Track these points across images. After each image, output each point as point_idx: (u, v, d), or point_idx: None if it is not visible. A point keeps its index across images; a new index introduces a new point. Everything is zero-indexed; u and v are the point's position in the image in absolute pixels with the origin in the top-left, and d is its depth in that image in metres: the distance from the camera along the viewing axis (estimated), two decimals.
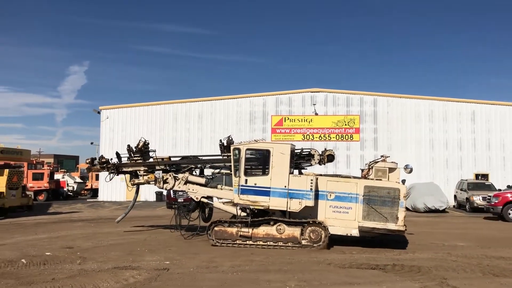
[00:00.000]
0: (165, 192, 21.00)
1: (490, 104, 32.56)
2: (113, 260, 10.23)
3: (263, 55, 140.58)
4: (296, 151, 13.53)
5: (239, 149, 12.30)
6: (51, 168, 40.60)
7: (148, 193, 31.74)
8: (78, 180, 39.03)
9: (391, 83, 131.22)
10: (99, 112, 34.79)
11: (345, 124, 33.00)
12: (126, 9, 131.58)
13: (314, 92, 33.69)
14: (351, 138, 32.88)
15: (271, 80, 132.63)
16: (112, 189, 33.39)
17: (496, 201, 20.41)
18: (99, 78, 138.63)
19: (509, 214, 19.89)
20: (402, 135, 32.63)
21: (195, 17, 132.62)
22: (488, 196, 21.85)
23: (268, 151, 12.15)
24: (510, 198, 20.12)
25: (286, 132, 33.38)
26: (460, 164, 31.95)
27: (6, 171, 20.83)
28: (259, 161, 12.60)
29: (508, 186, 27.63)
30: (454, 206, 28.36)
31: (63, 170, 48.53)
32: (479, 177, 31.15)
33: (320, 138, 32.87)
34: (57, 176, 37.85)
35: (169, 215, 20.85)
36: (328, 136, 32.92)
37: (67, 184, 37.34)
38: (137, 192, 15.66)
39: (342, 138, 32.87)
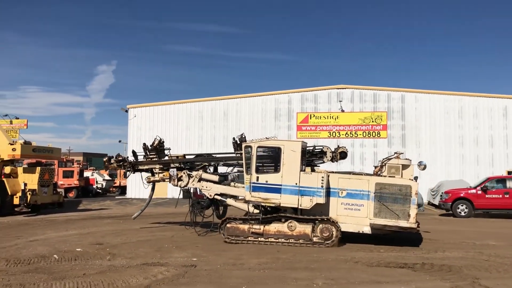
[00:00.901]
0: (192, 190, 21.16)
1: None
2: (141, 257, 10.38)
3: (289, 52, 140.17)
4: (308, 148, 13.54)
5: (250, 147, 12.37)
6: (81, 166, 41.55)
7: (175, 190, 32.05)
8: (107, 177, 39.79)
9: (419, 79, 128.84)
10: (126, 111, 35.35)
11: (372, 121, 32.56)
12: (153, 9, 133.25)
13: (340, 88, 33.35)
14: (378, 135, 32.44)
15: (297, 77, 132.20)
16: (140, 186, 33.75)
17: (447, 198, 21.14)
18: (127, 77, 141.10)
19: (458, 210, 20.51)
20: (431, 131, 31.98)
21: (220, 16, 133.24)
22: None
23: (279, 149, 12.17)
24: (460, 195, 20.76)
25: (311, 129, 33.17)
26: (492, 161, 31.11)
27: (38, 169, 21.40)
28: (270, 158, 12.62)
29: None
30: None
31: (92, 168, 49.54)
32: None
33: (347, 135, 32.55)
34: (87, 173, 38.68)
35: None
36: (355, 133, 32.57)
37: (96, 182, 38.10)
38: (153, 189, 15.91)
39: (369, 135, 32.46)
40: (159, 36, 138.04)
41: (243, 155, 12.56)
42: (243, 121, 33.93)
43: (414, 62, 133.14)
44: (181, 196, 14.81)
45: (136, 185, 33.88)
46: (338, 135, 32.56)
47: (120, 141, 47.48)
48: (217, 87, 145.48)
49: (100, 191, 38.07)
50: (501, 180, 21.16)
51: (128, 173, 15.47)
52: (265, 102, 34.08)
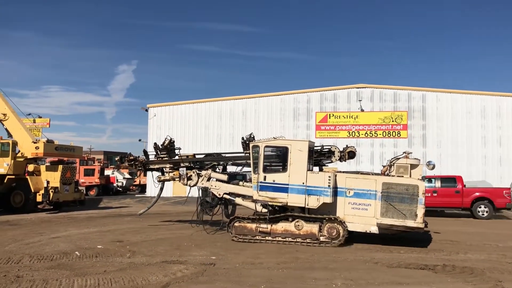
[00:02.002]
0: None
1: None
2: (161, 254, 10.48)
3: (307, 51, 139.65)
4: (316, 148, 13.57)
5: (258, 146, 12.43)
6: (101, 164, 42.12)
7: (194, 189, 32.26)
8: (127, 176, 40.23)
9: (441, 78, 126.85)
10: (146, 110, 35.74)
11: (392, 121, 32.21)
12: (172, 9, 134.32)
13: (360, 88, 33.08)
14: (399, 135, 32.08)
15: (316, 76, 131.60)
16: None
17: None
18: (147, 76, 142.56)
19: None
20: (453, 131, 31.48)
21: (237, 15, 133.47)
22: None
23: (286, 148, 12.20)
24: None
25: (330, 129, 33.00)
26: None
27: (60, 167, 21.78)
28: (278, 158, 12.67)
29: None
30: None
31: (112, 166, 50.19)
32: None
33: (366, 135, 32.28)
34: (107, 172, 39.19)
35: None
36: (375, 133, 32.28)
37: (117, 180, 38.54)
38: (161, 188, 16.09)
39: (389, 135, 32.14)
40: (178, 36, 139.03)
41: (251, 154, 12.64)
42: (261, 121, 33.96)
43: (435, 61, 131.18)
44: (198, 195, 14.94)
45: (156, 184, 34.22)
46: (358, 135, 32.32)
47: (140, 140, 48.01)
48: (235, 87, 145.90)
49: (120, 189, 38.52)
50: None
51: (138, 172, 15.74)
52: (283, 101, 34.03)
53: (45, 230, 14.56)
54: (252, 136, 14.42)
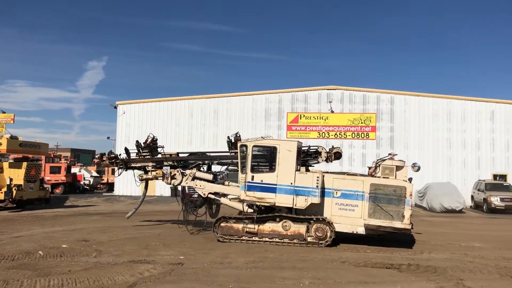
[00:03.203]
0: (180, 187, 21.13)
1: (510, 103, 31.95)
2: (128, 254, 10.33)
3: (280, 52, 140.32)
4: (303, 148, 13.52)
5: (246, 146, 12.35)
6: (68, 162, 41.15)
7: (163, 188, 31.96)
8: (95, 174, 39.48)
9: (409, 82, 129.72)
10: (115, 107, 35.13)
11: (361, 122, 32.72)
12: (145, 6, 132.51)
13: (331, 89, 33.46)
14: (367, 136, 32.61)
15: (287, 77, 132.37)
16: (128, 183, 33.67)
17: None
18: (117, 73, 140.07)
19: None
20: (419, 134, 32.23)
21: (211, 14, 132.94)
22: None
23: (274, 148, 12.17)
24: None
25: (301, 129, 33.24)
26: (478, 164, 31.44)
27: (24, 164, 21.16)
28: (266, 158, 12.62)
29: None
30: (471, 206, 27.94)
31: (80, 164, 49.11)
32: (497, 177, 30.64)
33: (336, 136, 32.67)
34: (74, 170, 38.33)
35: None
36: (344, 134, 32.71)
37: (84, 178, 37.78)
38: (146, 187, 15.83)
39: (358, 136, 32.63)
40: (150, 33, 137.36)
41: (238, 154, 12.52)
42: (233, 120, 33.90)
43: (403, 64, 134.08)
44: (169, 194, 14.75)
45: (124, 182, 33.71)
46: (328, 136, 32.67)
47: (108, 138, 47.28)
48: (208, 85, 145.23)
49: (87, 187, 37.76)
50: None
51: (120, 170, 15.30)
52: (255, 101, 34.07)
53: (6, 229, 14.11)
54: (238, 135, 14.28)
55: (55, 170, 34.29)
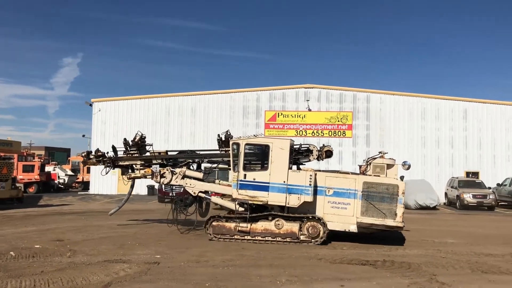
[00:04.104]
0: (156, 186, 20.99)
1: (481, 102, 32.78)
2: (103, 253, 10.18)
3: (258, 50, 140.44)
4: (295, 146, 13.48)
5: (238, 144, 12.25)
6: (42, 160, 40.29)
7: (139, 186, 31.63)
8: (69, 172, 38.81)
9: (384, 81, 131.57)
10: (91, 105, 34.58)
11: (338, 121, 33.05)
12: (123, 2, 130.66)
13: (308, 88, 33.68)
14: (344, 134, 32.95)
15: (265, 75, 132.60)
16: (103, 182, 33.25)
17: None
18: (93, 70, 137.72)
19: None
20: (395, 132, 32.76)
21: (190, 12, 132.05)
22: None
23: (267, 146, 12.11)
24: None
25: (279, 127, 33.37)
26: (452, 161, 32.17)
27: None
28: (258, 156, 12.57)
29: (498, 184, 27.94)
30: (444, 203, 28.55)
31: (54, 162, 48.15)
32: (470, 175, 31.40)
33: (313, 134, 32.91)
34: (48, 168, 37.59)
35: (160, 209, 20.84)
36: (321, 132, 32.97)
37: (58, 177, 37.11)
38: (132, 186, 15.62)
39: (334, 134, 32.93)
40: (128, 30, 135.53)
41: (230, 152, 12.43)
42: (211, 118, 33.79)
43: (381, 63, 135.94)
44: (145, 193, 14.57)
45: (100, 181, 33.26)
46: (305, 134, 32.87)
47: (84, 136, 46.52)
48: (185, 83, 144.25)
49: (62, 186, 37.09)
50: None
51: (107, 169, 15.02)
52: (233, 99, 34.04)
53: None
54: (229, 133, 14.15)
55: (28, 169, 33.57)
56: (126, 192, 33.99)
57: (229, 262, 9.49)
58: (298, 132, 32.96)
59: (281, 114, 33.49)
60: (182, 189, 18.44)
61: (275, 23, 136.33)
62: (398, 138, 32.56)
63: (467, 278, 8.42)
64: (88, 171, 36.01)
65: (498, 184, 27.96)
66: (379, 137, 32.82)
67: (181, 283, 7.74)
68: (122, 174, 29.06)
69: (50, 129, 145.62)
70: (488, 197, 24.87)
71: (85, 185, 37.01)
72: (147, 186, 30.86)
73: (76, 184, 39.07)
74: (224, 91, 34.44)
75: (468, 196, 24.91)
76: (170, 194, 19.57)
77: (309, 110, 33.15)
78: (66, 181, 37.49)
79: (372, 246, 11.68)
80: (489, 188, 26.64)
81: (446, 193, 28.60)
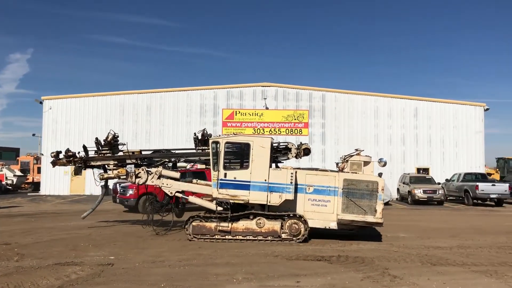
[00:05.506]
0: (111, 186, 20.44)
1: (431, 101, 34.09)
2: (54, 256, 9.83)
3: (214, 48, 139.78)
4: (273, 144, 13.46)
5: (218, 143, 12.11)
6: None
7: (93, 186, 30.77)
8: (18, 173, 37.21)
9: (340, 80, 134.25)
10: (41, 103, 33.31)
11: (295, 119, 33.45)
12: None
13: (265, 86, 33.88)
14: (300, 132, 33.37)
15: (223, 73, 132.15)
16: (55, 182, 32.18)
17: (132, 193, 18.96)
18: (44, 67, 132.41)
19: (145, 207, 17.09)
20: (349, 130, 33.51)
21: (146, 7, 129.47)
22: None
23: (248, 145, 12.03)
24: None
25: (237, 125, 33.38)
26: (403, 158, 33.27)
27: None
28: (239, 154, 12.46)
29: (447, 180, 29.17)
30: (397, 199, 29.52)
31: (1, 162, 46.01)
32: (421, 171, 32.61)
33: (271, 132, 33.12)
34: None
35: (116, 209, 20.37)
36: (278, 130, 33.25)
37: (6, 178, 35.50)
38: (106, 186, 15.19)
39: (291, 132, 33.30)
40: (81, 25, 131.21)
41: (210, 151, 12.25)
42: (167, 116, 33.35)
43: (336, 62, 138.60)
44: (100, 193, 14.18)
45: (51, 181, 32.14)
46: (263, 132, 33.04)
47: (34, 135, 44.76)
48: (141, 81, 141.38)
49: (10, 187, 35.49)
50: None
51: (78, 169, 14.46)
52: (190, 97, 33.73)
53: None
54: (205, 131, 13.90)
55: None
56: (79, 192, 33.02)
57: (185, 261, 9.40)
58: (256, 131, 33.09)
59: (239, 112, 33.51)
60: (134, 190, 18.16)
61: (232, 20, 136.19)
62: (352, 135, 33.32)
63: (417, 270, 8.73)
64: (39, 171, 34.69)
65: (446, 180, 29.20)
66: (335, 135, 33.49)
67: (135, 284, 7.59)
68: (75, 174, 28.24)
69: None
70: (437, 192, 25.91)
71: (36, 186, 35.63)
72: (101, 186, 30.06)
73: (26, 185, 37.55)
74: (181, 89, 34.09)
75: (419, 192, 25.86)
76: (127, 195, 19.05)
77: (267, 108, 33.37)
78: (14, 182, 35.93)
79: (327, 242, 11.90)
80: (439, 183, 27.79)
81: (398, 189, 29.57)
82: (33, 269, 8.62)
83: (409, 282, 7.83)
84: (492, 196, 25.23)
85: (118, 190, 20.25)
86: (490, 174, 36.05)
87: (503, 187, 25.29)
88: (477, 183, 25.46)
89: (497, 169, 41.19)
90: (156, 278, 7.95)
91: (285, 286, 7.57)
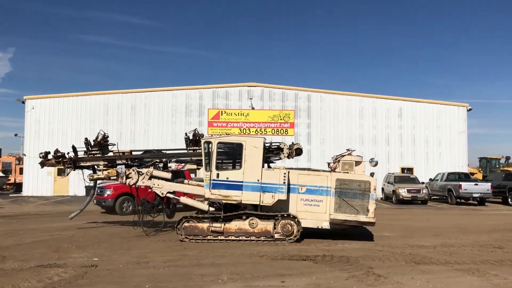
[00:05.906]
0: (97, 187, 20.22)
1: (415, 101, 34.48)
2: (36, 258, 9.67)
3: (200, 47, 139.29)
4: (266, 144, 13.43)
5: (210, 143, 12.04)
6: None
7: (78, 187, 30.47)
8: (0, 174, 36.59)
9: (325, 80, 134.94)
10: (23, 102, 32.83)
11: (281, 119, 33.53)
12: None
13: (251, 86, 33.90)
14: (286, 132, 33.46)
15: (208, 73, 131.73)
16: (38, 183, 31.77)
17: (110, 193, 18.70)
18: (26, 66, 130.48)
19: (123, 208, 18.62)
20: (335, 130, 33.72)
21: (130, 7, 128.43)
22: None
23: (240, 145, 11.98)
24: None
25: (223, 125, 33.34)
26: (388, 158, 33.58)
27: None
28: (231, 155, 12.40)
29: (430, 179, 29.51)
30: (381, 198, 29.76)
31: None
32: (405, 170, 32.94)
33: (257, 132, 33.16)
34: None
35: (98, 210, 20.13)
36: (264, 131, 33.28)
37: None
38: (94, 188, 14.98)
39: (277, 132, 33.37)
40: (64, 24, 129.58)
41: (202, 151, 12.17)
42: (152, 116, 33.15)
43: (320, 64, 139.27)
44: (83, 194, 14.03)
45: (34, 182, 31.71)
46: (249, 132, 33.05)
47: (16, 135, 44.15)
48: (125, 81, 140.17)
49: None
50: None
51: (68, 170, 14.26)
52: (176, 97, 33.58)
53: None
54: (197, 131, 13.79)
55: None
56: (63, 193, 32.58)
57: (170, 262, 9.34)
58: (242, 131, 33.08)
59: (225, 112, 33.47)
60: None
61: (218, 20, 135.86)
62: (337, 135, 33.54)
63: (401, 269, 8.80)
64: (21, 172, 34.17)
65: (430, 179, 29.55)
66: (320, 135, 33.66)
67: (119, 286, 7.51)
68: (58, 174, 27.83)
69: None
70: (421, 192, 26.21)
71: (18, 187, 35.07)
72: (85, 187, 29.74)
73: (8, 186, 36.91)
74: (166, 89, 33.92)
75: (403, 191, 26.12)
76: (105, 195, 18.82)
77: (252, 108, 33.38)
78: None
79: (312, 241, 11.93)
80: (423, 183, 28.10)
81: (383, 188, 29.81)
82: (15, 271, 8.47)
83: (393, 281, 7.89)
84: (474, 195, 25.61)
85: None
86: (473, 174, 36.58)
87: (486, 187, 25.68)
88: (460, 183, 25.81)
89: (480, 169, 41.85)
90: (140, 280, 7.87)
91: (270, 286, 7.56)
